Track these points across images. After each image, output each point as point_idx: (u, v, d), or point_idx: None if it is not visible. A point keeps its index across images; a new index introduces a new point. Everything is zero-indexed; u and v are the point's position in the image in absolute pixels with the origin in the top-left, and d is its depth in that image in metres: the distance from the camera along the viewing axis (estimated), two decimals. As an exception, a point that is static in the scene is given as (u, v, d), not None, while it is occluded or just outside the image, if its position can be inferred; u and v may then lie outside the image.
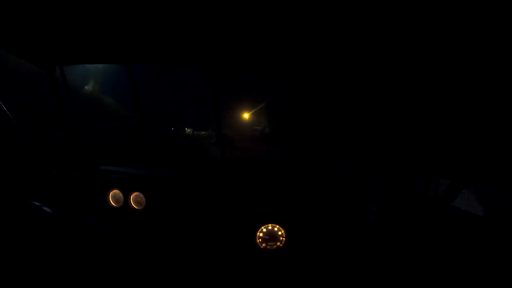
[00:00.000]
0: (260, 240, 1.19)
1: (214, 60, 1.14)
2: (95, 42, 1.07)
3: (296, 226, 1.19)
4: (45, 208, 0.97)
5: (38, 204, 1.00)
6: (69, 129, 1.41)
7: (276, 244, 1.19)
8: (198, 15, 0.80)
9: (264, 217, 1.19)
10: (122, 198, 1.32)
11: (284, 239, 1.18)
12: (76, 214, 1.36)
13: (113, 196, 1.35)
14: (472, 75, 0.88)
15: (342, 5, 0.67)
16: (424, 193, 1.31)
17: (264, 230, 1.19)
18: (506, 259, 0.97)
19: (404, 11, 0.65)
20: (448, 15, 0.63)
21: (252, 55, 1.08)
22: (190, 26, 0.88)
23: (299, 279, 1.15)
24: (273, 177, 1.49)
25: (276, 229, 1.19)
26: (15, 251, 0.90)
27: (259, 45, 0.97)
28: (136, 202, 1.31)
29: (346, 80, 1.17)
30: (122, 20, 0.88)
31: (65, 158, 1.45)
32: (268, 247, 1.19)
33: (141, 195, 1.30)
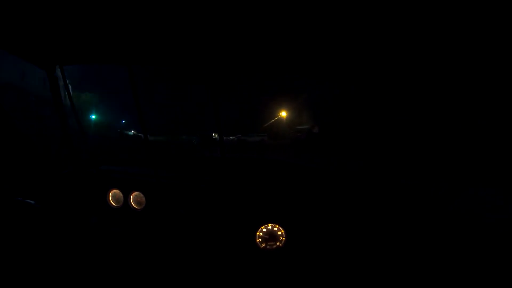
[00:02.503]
0: (260, 240, 1.19)
1: (214, 60, 1.14)
2: (95, 43, 1.07)
3: (296, 226, 1.19)
4: (41, 207, 0.97)
5: (35, 203, 1.00)
6: (69, 129, 1.42)
7: (276, 244, 1.19)
8: (198, 15, 0.81)
9: (264, 217, 1.19)
10: (122, 198, 1.32)
11: (284, 239, 1.19)
12: (76, 214, 1.36)
13: (113, 196, 1.35)
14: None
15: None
16: (424, 193, 1.31)
17: (264, 230, 1.19)
18: (506, 260, 0.97)
19: None
20: None
21: (253, 56, 1.08)
22: (190, 26, 0.88)
23: (299, 279, 1.15)
24: (273, 177, 1.49)
25: (276, 229, 1.19)
26: (13, 252, 0.90)
27: (260, 46, 0.97)
28: (136, 202, 1.31)
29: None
30: (122, 20, 0.88)
31: (65, 158, 1.46)
32: (268, 247, 1.19)
33: (141, 195, 1.30)
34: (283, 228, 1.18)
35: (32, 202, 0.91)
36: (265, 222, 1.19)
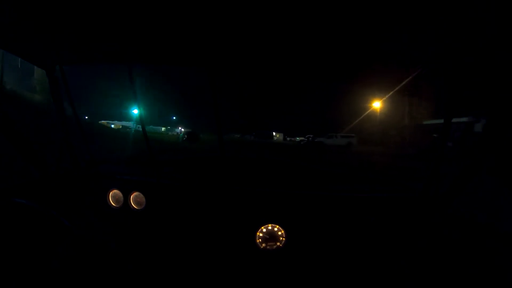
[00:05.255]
0: (260, 240, 1.19)
1: (213, 61, 1.14)
2: (95, 43, 1.08)
3: (296, 226, 1.19)
4: (42, 208, 0.97)
5: (34, 204, 1.00)
6: (69, 129, 1.42)
7: (276, 244, 1.19)
8: (198, 16, 0.80)
9: (264, 217, 1.19)
10: (122, 198, 1.32)
11: (284, 239, 1.18)
12: (76, 214, 1.36)
13: (113, 196, 1.35)
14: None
15: None
16: (424, 193, 1.31)
17: (264, 230, 1.19)
18: (506, 261, 0.96)
19: None
20: None
21: (252, 57, 1.08)
22: (190, 26, 0.88)
23: (298, 279, 1.15)
24: (274, 177, 1.49)
25: (276, 229, 1.19)
26: (11, 253, 0.90)
27: (259, 46, 0.97)
28: (136, 202, 1.31)
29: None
30: (122, 20, 0.88)
31: (65, 158, 1.46)
32: (268, 247, 1.19)
33: (141, 195, 1.30)
34: (283, 229, 1.18)
35: (31, 203, 0.90)
36: (265, 222, 1.19)
